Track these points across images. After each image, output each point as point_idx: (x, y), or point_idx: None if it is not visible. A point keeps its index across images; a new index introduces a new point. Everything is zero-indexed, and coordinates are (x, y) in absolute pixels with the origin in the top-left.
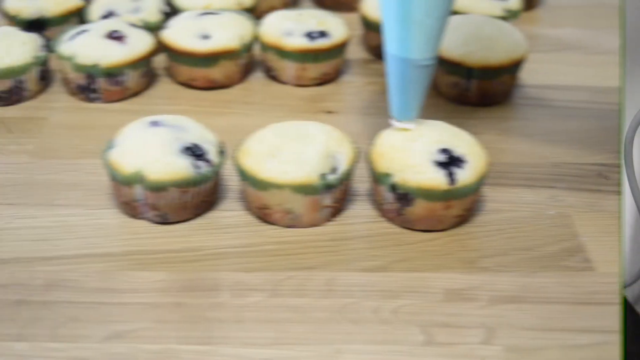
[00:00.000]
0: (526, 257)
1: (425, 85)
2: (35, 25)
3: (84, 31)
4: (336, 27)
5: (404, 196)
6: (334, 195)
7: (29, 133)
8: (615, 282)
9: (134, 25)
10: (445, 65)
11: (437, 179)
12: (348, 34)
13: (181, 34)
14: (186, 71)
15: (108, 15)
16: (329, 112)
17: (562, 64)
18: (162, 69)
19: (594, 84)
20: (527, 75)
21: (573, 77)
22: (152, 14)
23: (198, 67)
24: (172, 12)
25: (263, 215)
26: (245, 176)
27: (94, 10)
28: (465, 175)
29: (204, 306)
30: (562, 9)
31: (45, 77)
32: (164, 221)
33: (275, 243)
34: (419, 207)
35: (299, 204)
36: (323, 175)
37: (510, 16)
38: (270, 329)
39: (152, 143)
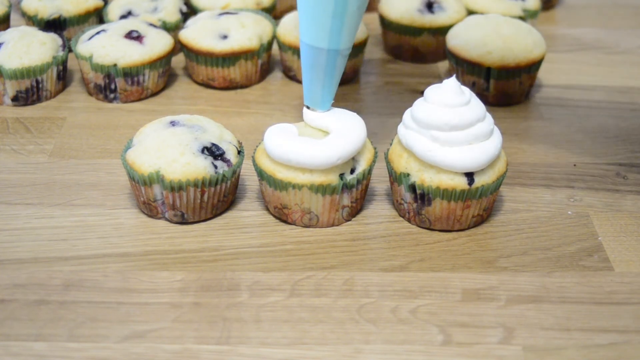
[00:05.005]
0: (545, 257)
1: (342, 73)
2: (54, 25)
3: (102, 31)
4: None
5: (423, 196)
6: (352, 195)
7: (47, 133)
8: (634, 282)
9: (152, 25)
10: (464, 64)
11: (456, 179)
12: (366, 34)
13: (200, 34)
14: (205, 71)
15: (127, 15)
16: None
17: (581, 64)
18: (180, 69)
19: (612, 84)
20: (546, 75)
21: (591, 76)
22: (171, 13)
23: (217, 67)
24: (190, 12)
25: (281, 215)
26: (263, 176)
27: (113, 10)
28: (484, 176)
29: (223, 306)
30: (581, 8)
31: (64, 77)
32: (183, 221)
33: (294, 243)
34: (438, 207)
35: (318, 204)
36: (342, 175)
37: (528, 16)
38: (289, 329)
39: (170, 143)
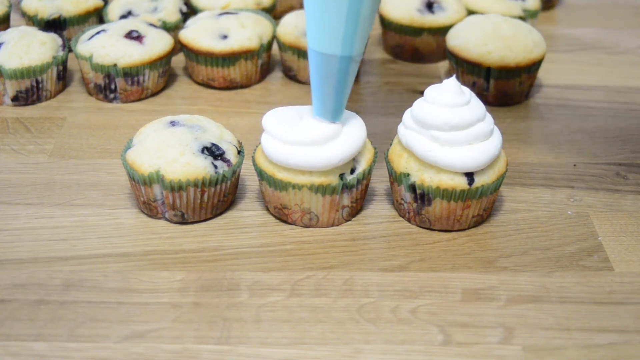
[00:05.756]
0: (545, 256)
1: (353, 80)
2: (54, 25)
3: (102, 31)
4: None
5: (423, 196)
6: (352, 195)
7: (47, 133)
8: (634, 282)
9: (152, 25)
10: (463, 65)
11: (456, 179)
12: None
13: (200, 34)
14: (205, 71)
15: (127, 15)
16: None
17: (581, 64)
18: (180, 69)
19: (612, 84)
20: (546, 75)
21: (591, 76)
22: (171, 13)
23: (217, 67)
24: (190, 12)
25: (281, 215)
26: (263, 176)
27: (113, 10)
28: (484, 176)
29: (223, 306)
30: (581, 8)
31: (64, 77)
32: (183, 221)
33: (294, 243)
34: (438, 207)
35: (318, 204)
36: (342, 175)
37: (528, 16)
38: (288, 329)
39: (170, 143)
